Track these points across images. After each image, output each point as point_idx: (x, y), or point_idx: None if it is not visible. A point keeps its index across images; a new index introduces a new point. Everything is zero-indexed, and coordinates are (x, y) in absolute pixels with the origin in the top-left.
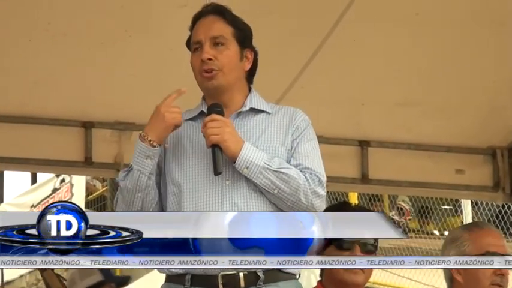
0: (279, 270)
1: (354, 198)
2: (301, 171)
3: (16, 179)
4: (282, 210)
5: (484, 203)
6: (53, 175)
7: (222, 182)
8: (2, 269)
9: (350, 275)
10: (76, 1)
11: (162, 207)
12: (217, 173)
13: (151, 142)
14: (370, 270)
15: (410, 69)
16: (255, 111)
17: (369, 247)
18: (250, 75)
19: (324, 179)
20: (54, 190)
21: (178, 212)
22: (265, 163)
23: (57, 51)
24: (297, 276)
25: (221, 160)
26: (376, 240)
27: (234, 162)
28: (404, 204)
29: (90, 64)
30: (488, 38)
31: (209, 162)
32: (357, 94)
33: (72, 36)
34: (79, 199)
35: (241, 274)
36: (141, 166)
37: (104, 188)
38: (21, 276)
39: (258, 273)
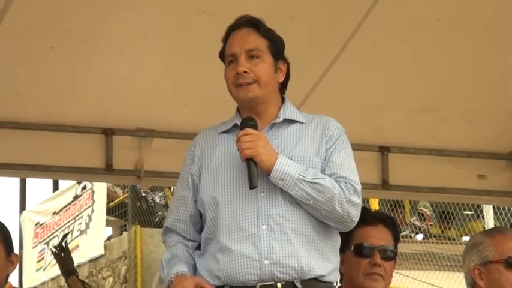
0: (316, 279)
1: (374, 204)
2: (335, 180)
3: (38, 186)
4: (318, 220)
5: (506, 208)
6: (74, 182)
7: (257, 195)
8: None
9: (370, 281)
10: (96, 8)
11: (202, 223)
12: (252, 186)
13: None
14: (390, 276)
15: (431, 75)
16: (288, 121)
17: (388, 253)
18: (283, 86)
19: (359, 187)
20: (76, 197)
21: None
22: (299, 174)
23: (78, 58)
24: (335, 284)
25: (256, 174)
26: (395, 246)
27: (269, 175)
28: (425, 210)
29: (111, 71)
30: (509, 43)
31: (244, 175)
32: (377, 100)
33: (93, 43)
34: (100, 206)
35: (279, 285)
36: None
37: (125, 195)
38: (43, 283)
39: (296, 283)
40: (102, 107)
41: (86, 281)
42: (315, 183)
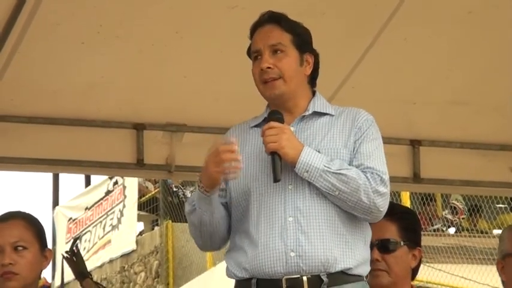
0: (343, 272)
1: (406, 198)
2: (362, 171)
3: (70, 182)
4: (347, 212)
5: None
6: (106, 177)
7: (285, 187)
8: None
9: (373, 278)
10: (127, 3)
11: (230, 215)
12: (276, 180)
13: (204, 189)
14: (401, 268)
15: (462, 68)
16: (318, 114)
17: (389, 246)
18: (313, 78)
19: (386, 177)
20: (108, 192)
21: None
22: (324, 166)
23: (109, 53)
24: (365, 278)
25: (280, 167)
26: (404, 236)
27: (295, 167)
28: (457, 203)
29: (142, 66)
30: None
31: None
32: (408, 93)
33: (124, 38)
34: (131, 201)
35: (304, 278)
36: (202, 208)
37: (156, 190)
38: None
39: (322, 277)
40: (133, 102)
41: (118, 276)
42: (340, 174)
